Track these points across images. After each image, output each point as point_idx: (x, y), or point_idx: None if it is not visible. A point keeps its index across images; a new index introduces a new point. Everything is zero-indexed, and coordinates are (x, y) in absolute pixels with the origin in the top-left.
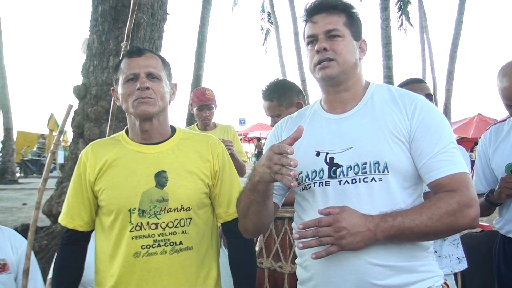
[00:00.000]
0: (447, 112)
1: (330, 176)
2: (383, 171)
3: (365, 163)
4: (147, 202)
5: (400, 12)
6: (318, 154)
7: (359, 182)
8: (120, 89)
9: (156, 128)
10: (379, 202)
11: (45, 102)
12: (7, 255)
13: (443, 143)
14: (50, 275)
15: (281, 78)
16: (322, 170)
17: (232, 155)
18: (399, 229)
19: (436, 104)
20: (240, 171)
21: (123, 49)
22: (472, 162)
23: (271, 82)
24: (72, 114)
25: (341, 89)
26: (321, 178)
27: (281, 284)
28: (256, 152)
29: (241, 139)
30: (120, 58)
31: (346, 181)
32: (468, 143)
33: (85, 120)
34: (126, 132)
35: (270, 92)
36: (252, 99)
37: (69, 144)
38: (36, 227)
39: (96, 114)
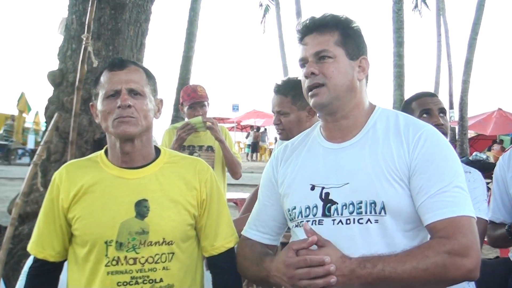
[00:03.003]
0: (463, 106)
1: (324, 214)
2: (380, 212)
3: (361, 202)
4: (126, 234)
5: None
6: (313, 188)
7: (353, 223)
8: (99, 106)
9: (138, 150)
10: (375, 245)
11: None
12: None
13: (445, 181)
14: None
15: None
16: (316, 206)
17: (221, 142)
18: (378, 278)
19: (451, 105)
20: (234, 168)
21: (84, 43)
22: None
23: (290, 78)
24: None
25: (338, 117)
26: (314, 215)
27: None
28: (251, 143)
29: (233, 127)
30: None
31: (340, 220)
32: (486, 141)
33: (60, 110)
34: (106, 152)
35: (286, 86)
36: (247, 84)
37: (41, 129)
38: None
39: (72, 104)
